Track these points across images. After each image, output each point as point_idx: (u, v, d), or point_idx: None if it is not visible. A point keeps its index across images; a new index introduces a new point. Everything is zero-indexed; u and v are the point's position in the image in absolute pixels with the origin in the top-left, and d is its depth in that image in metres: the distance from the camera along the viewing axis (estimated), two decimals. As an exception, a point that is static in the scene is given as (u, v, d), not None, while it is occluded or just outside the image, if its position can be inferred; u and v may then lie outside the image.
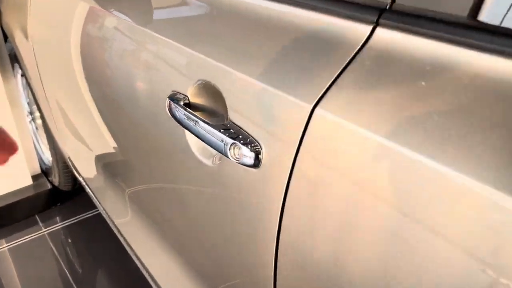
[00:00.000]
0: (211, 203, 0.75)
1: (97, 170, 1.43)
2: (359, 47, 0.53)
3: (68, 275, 1.78)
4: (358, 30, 0.54)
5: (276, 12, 0.66)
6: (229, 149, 0.64)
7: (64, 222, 2.02)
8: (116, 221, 1.41)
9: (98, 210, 1.93)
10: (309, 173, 0.55)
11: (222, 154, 0.66)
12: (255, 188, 0.63)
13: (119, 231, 1.39)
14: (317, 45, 0.58)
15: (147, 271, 1.22)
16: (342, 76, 0.53)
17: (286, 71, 0.59)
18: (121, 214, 1.33)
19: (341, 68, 0.53)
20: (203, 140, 0.69)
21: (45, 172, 2.12)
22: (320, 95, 0.53)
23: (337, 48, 0.55)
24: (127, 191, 1.21)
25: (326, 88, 0.53)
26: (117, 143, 1.17)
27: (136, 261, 1.29)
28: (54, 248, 1.89)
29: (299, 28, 0.61)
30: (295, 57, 0.59)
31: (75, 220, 2.02)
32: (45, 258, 1.86)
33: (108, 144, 1.22)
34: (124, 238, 1.36)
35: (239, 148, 0.63)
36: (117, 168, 1.24)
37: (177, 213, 0.94)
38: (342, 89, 0.52)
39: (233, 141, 0.63)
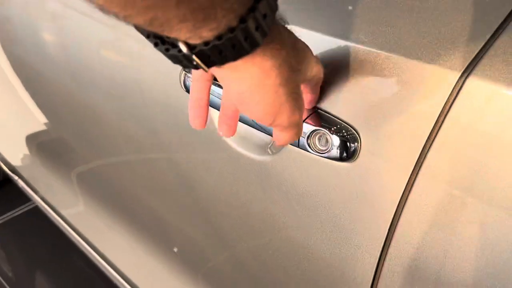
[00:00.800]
0: (258, 206, 0.58)
1: (37, 157, 1.20)
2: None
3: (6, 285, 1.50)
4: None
5: None
6: (308, 139, 0.47)
7: (-12, 224, 1.69)
8: (65, 212, 1.20)
9: (32, 203, 1.64)
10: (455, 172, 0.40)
11: (295, 146, 0.49)
12: (345, 188, 0.48)
13: (69, 223, 1.18)
14: None
15: (113, 267, 1.03)
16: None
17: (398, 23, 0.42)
18: (73, 203, 1.12)
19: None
20: (258, 129, 0.51)
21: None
22: (471, 59, 0.38)
23: None
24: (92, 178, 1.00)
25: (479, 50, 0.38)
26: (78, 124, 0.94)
27: (95, 257, 1.09)
28: (-19, 257, 1.58)
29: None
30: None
31: (2, 221, 1.71)
32: (-29, 270, 1.55)
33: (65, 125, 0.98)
34: (76, 231, 1.16)
35: (323, 137, 0.46)
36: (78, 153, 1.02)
37: (188, 212, 0.75)
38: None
39: (316, 127, 0.46)
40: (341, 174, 0.47)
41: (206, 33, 0.29)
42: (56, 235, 1.33)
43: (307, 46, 0.38)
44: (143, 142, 0.75)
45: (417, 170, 0.42)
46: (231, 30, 0.29)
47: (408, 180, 0.42)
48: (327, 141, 0.46)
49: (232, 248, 0.67)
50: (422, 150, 0.41)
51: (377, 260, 0.47)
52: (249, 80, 0.33)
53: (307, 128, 0.47)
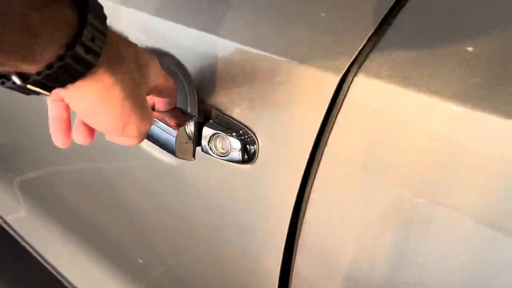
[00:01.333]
0: (168, 209, 0.58)
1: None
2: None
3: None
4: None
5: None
6: (210, 142, 0.48)
7: None
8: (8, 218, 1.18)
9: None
10: (345, 168, 0.41)
11: (201, 150, 0.49)
12: (248, 189, 0.48)
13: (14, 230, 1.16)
14: None
15: (56, 270, 1.03)
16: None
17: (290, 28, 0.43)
18: (15, 209, 1.10)
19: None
20: (157, 141, 0.50)
21: None
22: (352, 59, 0.39)
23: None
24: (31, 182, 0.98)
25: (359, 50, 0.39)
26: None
27: (41, 261, 1.08)
28: None
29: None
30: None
31: None
32: None
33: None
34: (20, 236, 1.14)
35: (224, 140, 0.47)
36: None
37: (111, 213, 0.75)
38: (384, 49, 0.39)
39: (215, 131, 0.47)
40: (243, 175, 0.48)
41: (34, 67, 0.29)
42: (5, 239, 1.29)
43: (152, 60, 0.39)
44: (70, 149, 0.74)
45: (310, 164, 0.43)
46: (61, 58, 0.29)
47: (303, 176, 0.44)
48: (227, 144, 0.47)
49: (158, 250, 0.67)
50: (313, 147, 0.42)
51: (282, 254, 0.48)
52: (92, 96, 0.33)
53: (207, 131, 0.47)
